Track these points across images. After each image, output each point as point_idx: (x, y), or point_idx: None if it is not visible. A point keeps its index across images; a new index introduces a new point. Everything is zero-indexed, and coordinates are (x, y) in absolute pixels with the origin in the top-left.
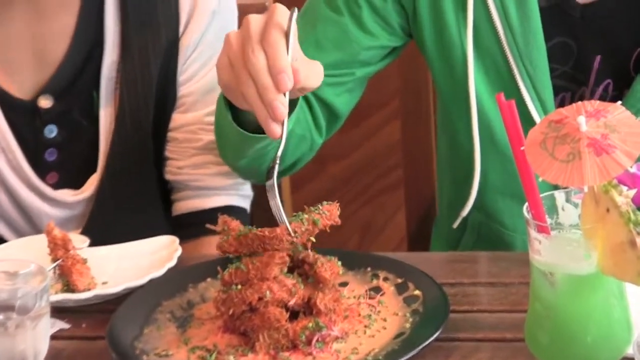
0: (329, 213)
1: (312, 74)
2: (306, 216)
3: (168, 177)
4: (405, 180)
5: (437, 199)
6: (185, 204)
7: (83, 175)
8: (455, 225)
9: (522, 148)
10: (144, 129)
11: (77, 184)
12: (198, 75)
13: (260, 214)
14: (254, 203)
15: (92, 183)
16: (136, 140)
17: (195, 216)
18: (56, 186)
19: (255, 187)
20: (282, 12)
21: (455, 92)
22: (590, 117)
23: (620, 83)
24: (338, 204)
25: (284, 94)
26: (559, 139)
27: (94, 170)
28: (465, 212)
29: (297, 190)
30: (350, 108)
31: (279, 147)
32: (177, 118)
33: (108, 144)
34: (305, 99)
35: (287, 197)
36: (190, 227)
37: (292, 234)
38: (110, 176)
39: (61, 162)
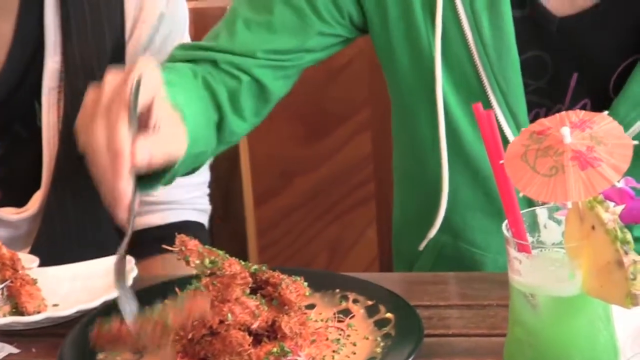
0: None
1: (160, 150)
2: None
3: None
4: (376, 195)
5: (393, 217)
6: (138, 220)
7: (27, 192)
8: (422, 247)
9: (501, 162)
10: None
11: (21, 202)
12: None
13: (219, 228)
14: (213, 217)
15: (36, 200)
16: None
17: (149, 233)
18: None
19: (213, 200)
20: (147, 77)
21: (421, 100)
22: (575, 128)
23: (598, 104)
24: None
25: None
26: (541, 151)
27: (38, 187)
28: (433, 232)
29: (260, 205)
30: (281, 96)
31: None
32: None
33: (53, 159)
34: (235, 77)
35: (249, 212)
36: (144, 244)
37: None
38: (56, 193)
39: (4, 178)
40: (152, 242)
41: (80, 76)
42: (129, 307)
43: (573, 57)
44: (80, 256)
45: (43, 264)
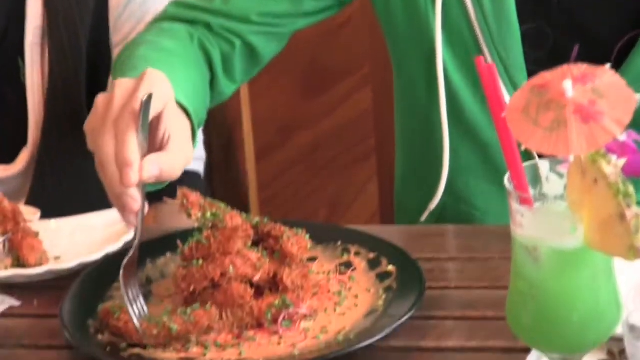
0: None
1: (170, 166)
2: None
3: None
4: (377, 150)
5: (395, 175)
6: None
7: (15, 150)
8: (424, 218)
9: (503, 115)
10: (76, 99)
11: (9, 158)
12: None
13: (220, 182)
14: (210, 167)
15: (23, 157)
16: (69, 110)
17: None
18: None
19: (209, 149)
20: (145, 89)
21: (420, 67)
22: (577, 82)
23: None
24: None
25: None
26: (542, 105)
27: (25, 144)
28: (435, 202)
29: (260, 160)
30: (271, 58)
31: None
32: None
33: (40, 115)
34: (229, 41)
35: (251, 167)
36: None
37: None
38: (46, 149)
39: None
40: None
41: (63, 32)
42: (137, 310)
43: (574, 30)
44: (74, 212)
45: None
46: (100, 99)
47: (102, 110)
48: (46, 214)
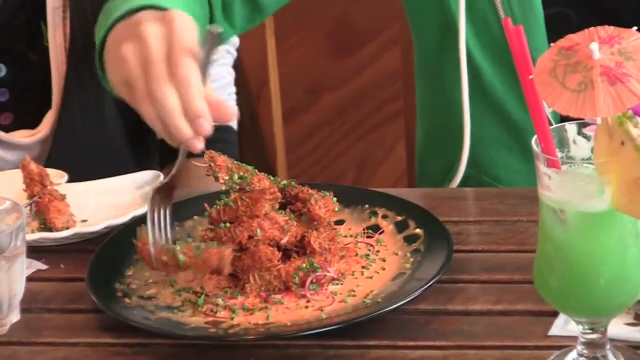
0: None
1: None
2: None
3: None
4: (405, 111)
5: (416, 144)
6: None
7: (39, 114)
8: (455, 184)
9: (530, 77)
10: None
11: (33, 123)
12: None
13: (246, 140)
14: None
15: (48, 121)
16: (90, 72)
17: None
18: (12, 127)
19: (242, 118)
20: (187, 28)
21: (443, 45)
22: (604, 44)
23: None
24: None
25: None
26: (570, 67)
27: (49, 108)
28: (459, 175)
29: (288, 122)
30: (275, 8)
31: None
32: None
33: (62, 78)
34: None
35: (278, 129)
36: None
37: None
38: (66, 113)
39: (14, 101)
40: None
41: None
42: (161, 236)
43: (597, 16)
44: (90, 177)
45: None
46: (130, 47)
47: (136, 66)
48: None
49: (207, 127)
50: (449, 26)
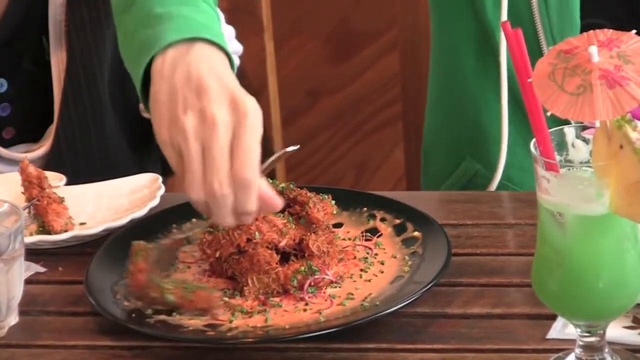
0: (322, 207)
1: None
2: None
3: (143, 114)
4: (403, 115)
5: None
6: None
7: (41, 128)
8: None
9: (529, 80)
10: (95, 74)
11: (35, 137)
12: None
13: None
14: None
15: (49, 136)
16: (90, 85)
17: None
18: (13, 141)
19: None
20: (258, 125)
21: (480, 53)
22: (603, 47)
23: None
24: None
25: None
26: (568, 70)
27: (51, 122)
28: (497, 178)
29: (287, 125)
30: None
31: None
32: None
33: (60, 91)
34: None
35: (277, 133)
36: None
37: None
38: (64, 127)
39: (15, 116)
40: None
41: (83, 8)
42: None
43: (632, 25)
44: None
45: None
46: (193, 122)
47: (201, 140)
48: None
49: (251, 221)
50: (485, 33)
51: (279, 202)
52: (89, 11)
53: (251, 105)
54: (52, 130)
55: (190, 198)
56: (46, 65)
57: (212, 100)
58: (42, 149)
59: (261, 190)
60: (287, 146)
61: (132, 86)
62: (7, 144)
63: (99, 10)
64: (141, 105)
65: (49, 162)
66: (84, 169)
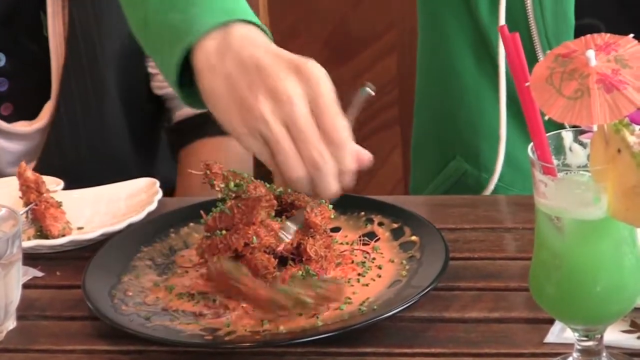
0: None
1: None
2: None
3: (157, 92)
4: (401, 119)
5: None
6: (181, 112)
7: (39, 104)
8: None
9: (527, 84)
10: (95, 49)
11: (32, 114)
12: None
13: None
14: None
15: (47, 111)
16: (90, 60)
17: (193, 119)
18: (11, 117)
19: None
20: (327, 83)
21: (476, 54)
22: (600, 51)
23: None
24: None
25: None
26: (566, 74)
27: (48, 98)
28: (494, 180)
29: None
30: None
31: None
32: None
33: (61, 68)
34: None
35: None
36: (193, 130)
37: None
38: (65, 103)
39: (14, 92)
40: (199, 126)
41: None
42: None
43: (626, 25)
44: (89, 171)
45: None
46: (268, 105)
47: (282, 119)
48: (60, 170)
49: (352, 179)
50: (481, 35)
51: (369, 156)
52: None
53: (316, 68)
54: (49, 106)
55: (291, 177)
56: (44, 40)
57: (277, 77)
58: (39, 122)
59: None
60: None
61: (141, 65)
62: (6, 120)
63: None
64: (155, 83)
65: (50, 140)
66: (83, 147)
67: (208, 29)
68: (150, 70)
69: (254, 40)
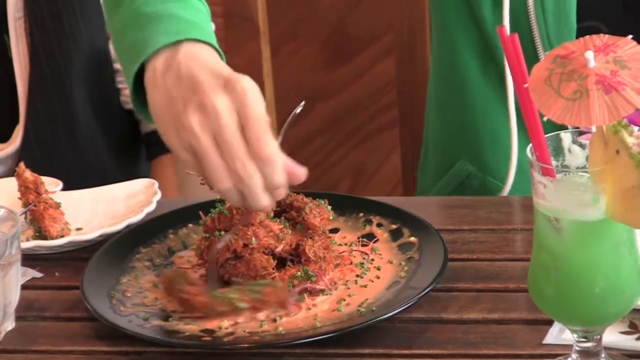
0: (318, 212)
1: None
2: None
3: (125, 106)
4: (400, 120)
5: (424, 146)
6: (147, 125)
7: (9, 127)
8: (445, 183)
9: (525, 85)
10: (60, 68)
11: (4, 137)
12: None
13: None
14: None
15: (17, 134)
16: (55, 79)
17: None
18: None
19: None
20: (258, 98)
21: (482, 57)
22: (599, 52)
23: None
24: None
25: None
26: (565, 75)
27: (18, 120)
28: (509, 183)
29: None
30: None
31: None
32: None
33: (26, 90)
34: None
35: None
36: (159, 143)
37: None
38: (33, 124)
39: None
40: (158, 142)
41: (42, 3)
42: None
43: (628, 28)
44: (69, 187)
45: None
46: (196, 118)
47: (210, 132)
48: None
49: (285, 193)
50: (485, 38)
51: (302, 172)
52: (48, 5)
53: (246, 82)
54: (19, 129)
55: (219, 189)
56: (9, 63)
57: (207, 91)
58: (10, 147)
59: (284, 165)
60: (285, 152)
61: (111, 80)
62: None
63: (58, 3)
64: (123, 98)
65: (23, 160)
66: (56, 166)
67: (159, 47)
68: (119, 85)
69: (197, 57)
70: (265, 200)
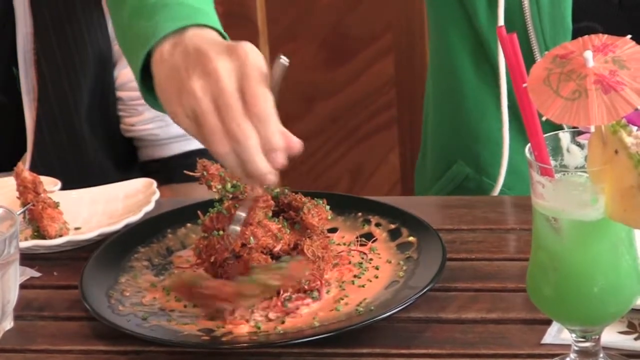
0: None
1: None
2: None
3: (125, 134)
4: (398, 120)
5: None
6: (146, 152)
7: (16, 157)
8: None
9: (524, 85)
10: (68, 100)
11: (10, 166)
12: None
13: None
14: None
15: (25, 163)
16: (63, 111)
17: (157, 163)
18: None
19: None
20: (259, 60)
21: (475, 57)
22: (598, 52)
23: None
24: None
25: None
26: (564, 75)
27: (24, 149)
28: (499, 185)
29: None
30: None
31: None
32: (121, 75)
33: (33, 122)
34: None
35: None
36: (159, 172)
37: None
38: (40, 155)
39: None
40: (160, 172)
41: (52, 36)
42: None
43: (624, 28)
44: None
45: None
46: (199, 83)
47: (211, 94)
48: None
49: (283, 160)
50: (480, 38)
51: (297, 142)
52: (57, 39)
53: (248, 47)
54: (26, 158)
55: (217, 153)
56: (18, 94)
57: (210, 57)
58: None
59: (281, 129)
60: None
61: (114, 110)
62: None
63: (67, 36)
64: (122, 126)
65: None
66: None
67: (166, 34)
68: (120, 113)
69: (204, 37)
70: (263, 164)
